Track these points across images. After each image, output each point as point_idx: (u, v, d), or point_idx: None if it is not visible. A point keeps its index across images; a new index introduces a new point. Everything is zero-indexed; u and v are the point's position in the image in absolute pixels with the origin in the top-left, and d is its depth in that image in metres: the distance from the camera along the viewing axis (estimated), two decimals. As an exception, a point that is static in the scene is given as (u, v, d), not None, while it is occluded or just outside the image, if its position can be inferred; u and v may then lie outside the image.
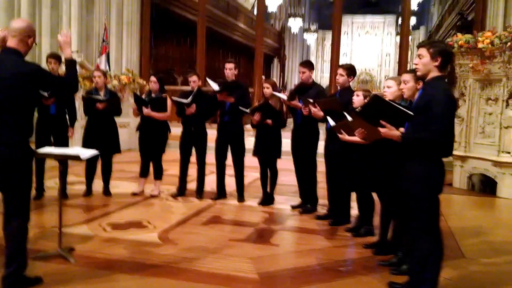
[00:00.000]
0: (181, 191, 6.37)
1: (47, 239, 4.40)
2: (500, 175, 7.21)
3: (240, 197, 6.26)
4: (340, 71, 5.27)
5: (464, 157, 7.76)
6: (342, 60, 35.55)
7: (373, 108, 3.18)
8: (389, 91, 4.27)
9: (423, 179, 3.12)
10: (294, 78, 30.06)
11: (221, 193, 6.33)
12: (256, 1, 23.58)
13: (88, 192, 6.20)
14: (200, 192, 6.34)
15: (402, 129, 3.24)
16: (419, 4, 22.38)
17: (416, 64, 3.26)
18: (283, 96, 5.68)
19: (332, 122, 4.80)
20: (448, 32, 18.35)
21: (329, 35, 34.92)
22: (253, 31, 21.55)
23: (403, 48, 12.13)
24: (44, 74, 3.34)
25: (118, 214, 5.45)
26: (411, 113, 3.04)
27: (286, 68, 28.34)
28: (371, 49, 34.95)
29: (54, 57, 5.97)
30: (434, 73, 3.18)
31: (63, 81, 3.57)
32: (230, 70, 6.09)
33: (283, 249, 4.46)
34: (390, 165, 4.07)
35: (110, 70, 11.02)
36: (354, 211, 5.37)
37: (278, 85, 6.12)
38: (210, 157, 6.31)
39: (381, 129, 3.22)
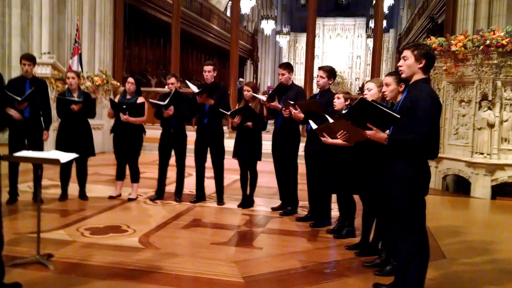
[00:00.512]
0: (160, 194, 6.28)
1: (23, 245, 4.27)
2: (473, 176, 7.37)
3: (220, 200, 6.21)
4: (321, 73, 5.29)
5: (438, 158, 7.89)
6: (315, 62, 35.89)
7: (359, 110, 3.19)
8: (370, 93, 4.30)
9: (408, 180, 3.15)
10: (267, 80, 30.14)
11: (200, 195, 6.27)
12: (229, 4, 23.58)
13: (64, 196, 6.04)
14: (179, 195, 6.27)
15: (387, 132, 3.27)
16: (389, 8, 22.72)
17: (400, 66, 3.29)
18: (263, 97, 5.66)
19: (313, 125, 4.81)
20: (418, 35, 18.68)
21: (300, 38, 35.25)
22: (227, 32, 21.53)
23: (376, 51, 12.27)
24: None
25: (96, 218, 5.32)
26: (397, 115, 3.06)
27: (259, 70, 28.37)
28: (342, 52, 35.33)
29: (28, 58, 5.82)
30: (418, 75, 3.22)
31: None
32: (209, 72, 6.05)
33: (266, 252, 4.43)
34: (373, 166, 4.10)
35: (82, 71, 10.81)
36: (334, 212, 5.40)
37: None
38: (188, 160, 6.25)
39: (368, 132, 3.23)
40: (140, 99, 6.12)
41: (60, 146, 5.83)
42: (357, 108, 3.20)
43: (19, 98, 5.32)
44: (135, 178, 6.27)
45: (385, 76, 3.91)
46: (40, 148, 5.75)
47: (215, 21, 20.10)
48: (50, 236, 4.55)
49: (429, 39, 8.14)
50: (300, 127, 5.84)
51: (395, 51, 29.69)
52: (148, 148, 6.57)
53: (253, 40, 25.90)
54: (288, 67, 5.66)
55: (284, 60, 32.27)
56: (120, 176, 6.31)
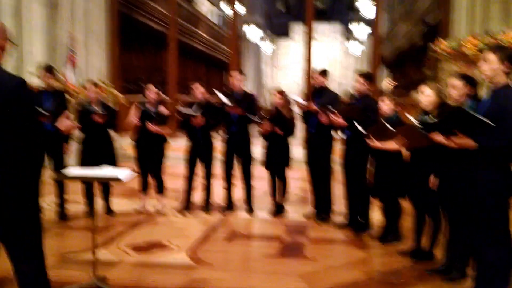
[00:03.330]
0: (187, 205, 6.09)
1: (69, 267, 4.04)
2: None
3: (250, 209, 6.06)
4: (360, 79, 5.18)
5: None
6: (294, 67, 36.07)
7: (454, 118, 3.11)
8: (427, 99, 4.20)
9: (496, 187, 3.09)
10: (248, 85, 30.04)
11: (230, 205, 6.10)
12: (214, 10, 23.42)
13: (91, 212, 5.77)
14: (207, 205, 6.09)
15: None
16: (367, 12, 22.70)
17: (483, 69, 3.22)
18: (302, 100, 5.57)
19: (361, 129, 4.74)
20: (400, 39, 18.87)
21: (280, 43, 35.43)
22: (213, 39, 21.36)
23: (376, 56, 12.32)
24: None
25: (131, 234, 5.08)
26: (492, 124, 2.98)
27: (242, 75, 28.22)
28: (320, 56, 35.62)
29: (46, 69, 5.59)
30: (502, 80, 3.16)
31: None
32: (238, 80, 5.90)
33: (324, 264, 4.28)
34: (425, 171, 4.05)
35: (78, 81, 10.47)
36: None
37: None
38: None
39: (456, 140, 3.17)
40: (162, 108, 5.93)
41: (85, 159, 5.59)
42: (453, 116, 3.13)
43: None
44: (161, 189, 6.06)
45: (452, 78, 3.85)
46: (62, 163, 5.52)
47: (202, 27, 19.90)
48: (91, 256, 4.30)
49: (437, 41, 8.18)
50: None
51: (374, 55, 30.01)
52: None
53: (237, 45, 25.77)
54: (322, 71, 5.57)
55: (265, 65, 32.37)
56: (144, 188, 6.08)
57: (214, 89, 6.40)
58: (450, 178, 3.72)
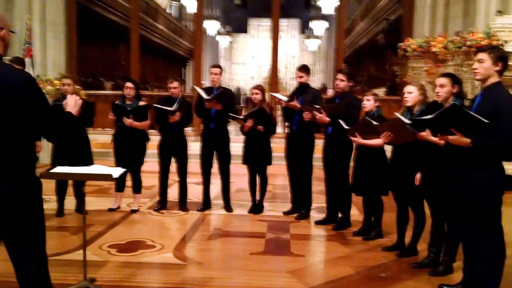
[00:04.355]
0: (163, 203, 5.97)
1: (52, 269, 3.86)
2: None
3: (228, 207, 6.01)
4: (341, 76, 5.21)
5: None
6: (251, 62, 36.09)
7: (449, 115, 3.18)
8: (411, 96, 4.30)
9: (491, 184, 3.21)
10: (205, 80, 29.79)
11: (207, 203, 6.03)
12: (173, 4, 23.08)
13: (61, 211, 5.57)
14: (184, 203, 5.99)
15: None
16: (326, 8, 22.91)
17: (476, 69, 3.31)
18: (283, 97, 5.56)
19: (345, 126, 4.79)
20: (359, 36, 19.23)
21: (237, 38, 35.33)
22: (171, 32, 21.03)
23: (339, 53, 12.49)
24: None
25: (111, 234, 4.93)
26: (486, 121, 3.06)
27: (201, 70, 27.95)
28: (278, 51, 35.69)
29: (18, 62, 5.33)
30: (494, 79, 3.27)
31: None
32: (216, 75, 5.84)
33: (312, 260, 4.33)
34: (411, 168, 4.15)
35: (34, 74, 10.05)
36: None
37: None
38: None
39: (450, 136, 3.25)
40: (141, 103, 5.78)
41: (59, 156, 5.38)
42: (447, 113, 3.19)
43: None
44: (138, 188, 5.91)
45: (440, 77, 3.94)
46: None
47: (160, 20, 19.54)
48: (73, 257, 4.15)
49: (407, 40, 8.39)
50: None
51: (331, 51, 30.48)
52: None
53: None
54: (307, 70, 5.58)
55: (221, 60, 32.18)
56: (120, 187, 5.92)
57: (194, 86, 6.30)
58: (438, 175, 3.81)
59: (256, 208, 5.94)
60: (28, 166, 2.40)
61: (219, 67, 5.93)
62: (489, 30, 7.34)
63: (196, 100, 5.94)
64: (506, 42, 7.11)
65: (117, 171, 3.41)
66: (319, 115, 5.08)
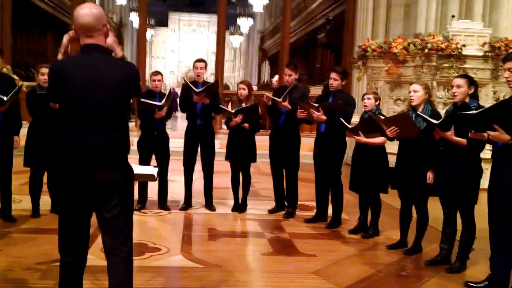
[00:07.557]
0: (143, 203, 5.60)
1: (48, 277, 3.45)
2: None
3: (210, 205, 5.76)
4: (334, 75, 5.12)
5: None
6: (171, 57, 35.31)
7: (495, 112, 3.27)
8: (416, 95, 4.38)
9: None
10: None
11: (188, 201, 5.74)
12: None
13: (36, 212, 5.01)
14: (165, 202, 5.66)
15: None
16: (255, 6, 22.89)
17: (507, 77, 3.42)
18: (276, 98, 5.41)
19: (347, 124, 4.78)
20: (292, 34, 19.52)
21: (158, 32, 34.45)
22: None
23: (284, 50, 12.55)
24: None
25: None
26: None
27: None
28: (197, 47, 35.56)
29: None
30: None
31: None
32: (201, 69, 5.58)
33: (326, 259, 4.21)
34: (417, 165, 4.24)
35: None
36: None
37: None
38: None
39: (491, 133, 3.34)
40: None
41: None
42: (494, 110, 3.27)
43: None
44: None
45: (456, 78, 4.05)
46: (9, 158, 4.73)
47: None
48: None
49: (367, 40, 8.60)
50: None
51: (255, 48, 30.80)
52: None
53: (119, 32, 24.34)
54: (296, 68, 5.49)
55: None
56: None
57: (184, 78, 5.98)
58: (455, 172, 3.91)
59: (239, 206, 5.75)
60: (128, 152, 2.55)
61: (204, 61, 5.67)
62: (447, 33, 7.72)
63: (181, 94, 5.64)
64: (464, 46, 7.51)
65: (153, 170, 3.10)
66: (316, 114, 5.01)
